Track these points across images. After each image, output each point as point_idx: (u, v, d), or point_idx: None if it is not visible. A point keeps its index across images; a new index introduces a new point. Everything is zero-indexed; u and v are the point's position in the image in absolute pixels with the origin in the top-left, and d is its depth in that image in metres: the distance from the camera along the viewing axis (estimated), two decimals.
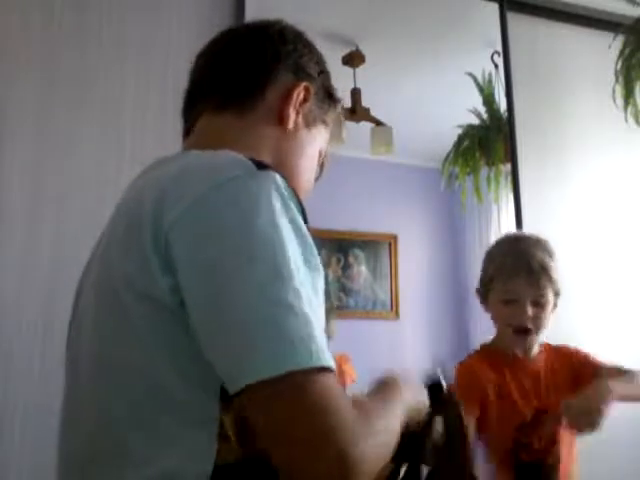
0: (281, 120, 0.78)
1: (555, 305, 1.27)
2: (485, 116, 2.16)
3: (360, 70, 1.97)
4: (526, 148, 2.12)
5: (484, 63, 2.15)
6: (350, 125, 2.01)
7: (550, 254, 1.26)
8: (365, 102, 2.00)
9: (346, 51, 1.94)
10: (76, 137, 1.62)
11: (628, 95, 2.05)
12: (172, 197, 0.59)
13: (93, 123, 1.65)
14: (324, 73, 0.86)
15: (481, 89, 2.15)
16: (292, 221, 0.59)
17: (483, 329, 2.08)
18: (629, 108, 2.06)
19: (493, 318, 1.30)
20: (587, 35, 2.31)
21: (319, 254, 0.61)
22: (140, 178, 0.73)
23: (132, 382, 0.61)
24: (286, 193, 0.60)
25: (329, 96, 0.86)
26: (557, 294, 1.27)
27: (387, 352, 2.09)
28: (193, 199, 0.58)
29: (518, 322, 1.22)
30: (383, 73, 2.05)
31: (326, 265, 2.01)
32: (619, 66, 2.06)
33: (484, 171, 2.14)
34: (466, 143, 2.14)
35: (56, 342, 1.52)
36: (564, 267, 2.12)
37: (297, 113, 0.79)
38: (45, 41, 1.63)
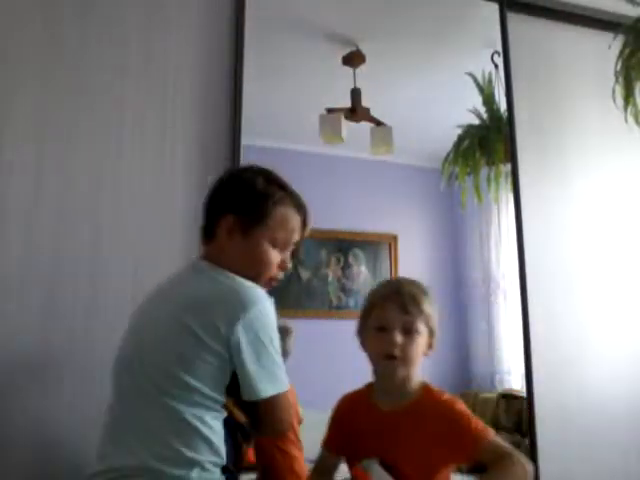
0: (228, 239, 1.25)
1: (431, 345, 1.27)
2: (485, 116, 2.16)
3: (360, 70, 1.97)
4: (526, 148, 2.12)
5: (484, 63, 2.16)
6: (350, 125, 2.01)
7: (424, 292, 1.28)
8: (365, 102, 2.00)
9: (346, 51, 1.94)
10: (76, 136, 1.63)
11: (628, 95, 2.05)
12: (226, 314, 1.13)
13: (93, 121, 1.65)
14: (255, 199, 1.25)
15: (481, 89, 2.15)
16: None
17: (482, 329, 2.09)
18: (629, 108, 2.06)
19: (367, 350, 1.31)
20: (587, 35, 2.31)
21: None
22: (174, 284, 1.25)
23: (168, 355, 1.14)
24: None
25: (259, 213, 1.25)
26: (432, 332, 1.26)
27: None
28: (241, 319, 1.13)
29: (387, 349, 1.23)
30: (383, 73, 2.05)
31: (326, 265, 2.02)
32: (619, 66, 2.05)
33: (484, 171, 2.14)
34: (466, 143, 2.14)
35: (56, 341, 1.53)
36: (564, 266, 2.14)
37: (233, 233, 1.24)
38: (46, 42, 1.63)
